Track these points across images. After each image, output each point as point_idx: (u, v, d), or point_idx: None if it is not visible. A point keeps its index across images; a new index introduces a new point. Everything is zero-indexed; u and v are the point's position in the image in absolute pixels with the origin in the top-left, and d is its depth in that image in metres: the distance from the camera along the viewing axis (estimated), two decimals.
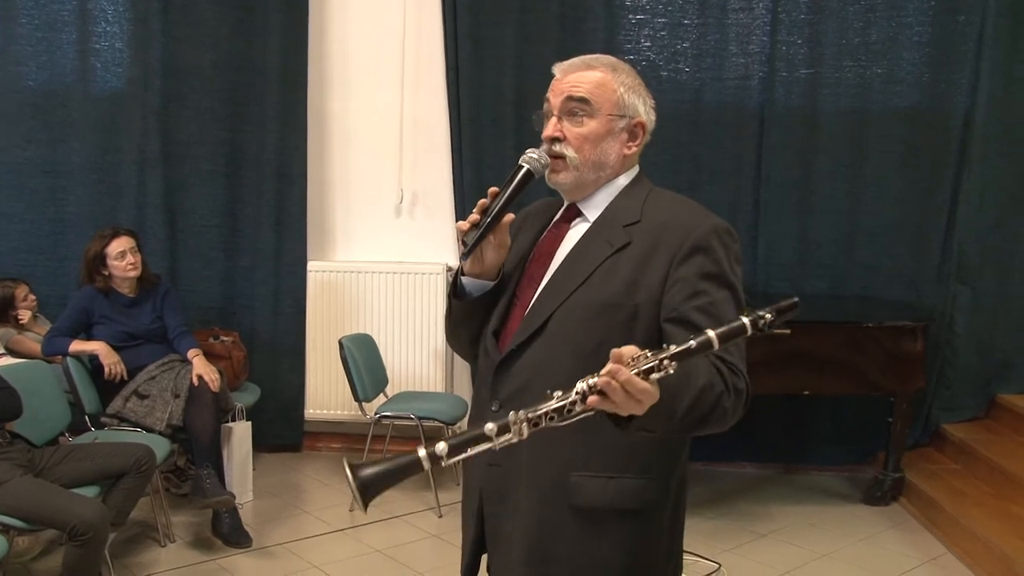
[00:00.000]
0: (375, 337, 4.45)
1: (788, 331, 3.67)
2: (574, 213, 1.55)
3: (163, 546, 3.50)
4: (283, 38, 4.51)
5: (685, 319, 1.36)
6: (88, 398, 3.63)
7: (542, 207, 1.65)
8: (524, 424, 1.13)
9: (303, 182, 4.61)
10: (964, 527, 3.53)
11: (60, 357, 3.68)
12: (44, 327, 4.01)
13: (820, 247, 4.43)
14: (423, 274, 4.58)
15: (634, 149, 1.53)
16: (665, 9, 4.39)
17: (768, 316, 1.16)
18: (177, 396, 3.58)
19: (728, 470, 4.52)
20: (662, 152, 4.28)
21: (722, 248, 1.43)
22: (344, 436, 4.77)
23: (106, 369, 3.62)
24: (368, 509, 1.16)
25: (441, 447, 1.13)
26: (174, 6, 4.49)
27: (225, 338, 4.32)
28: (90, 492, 2.98)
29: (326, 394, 4.67)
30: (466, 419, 3.83)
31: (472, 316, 1.56)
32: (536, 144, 1.51)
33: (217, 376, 3.66)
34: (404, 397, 4.28)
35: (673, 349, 1.15)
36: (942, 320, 4.34)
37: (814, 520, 3.91)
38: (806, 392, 4.06)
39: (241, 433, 3.89)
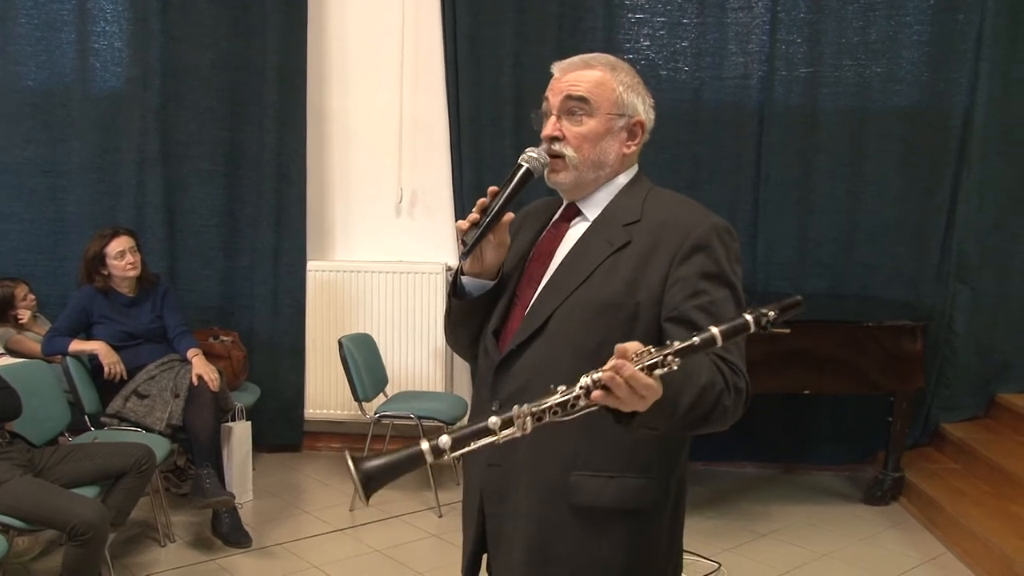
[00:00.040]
0: (375, 337, 4.45)
1: (788, 330, 3.67)
2: (573, 212, 1.55)
3: (163, 546, 3.50)
4: (282, 37, 4.51)
5: (685, 318, 1.36)
6: (88, 398, 3.63)
7: (541, 206, 1.64)
8: (528, 418, 1.13)
9: (302, 182, 4.61)
10: (964, 526, 3.53)
11: (60, 357, 3.68)
12: (44, 327, 4.01)
13: (820, 246, 4.43)
14: (423, 273, 4.58)
15: (633, 148, 1.53)
16: (664, 8, 4.39)
17: (771, 314, 1.17)
18: (177, 396, 3.58)
19: (728, 469, 4.52)
20: (661, 151, 4.27)
21: (722, 247, 1.43)
22: (344, 436, 4.77)
23: (106, 369, 3.62)
24: (369, 504, 1.16)
25: (444, 440, 1.13)
26: (173, 6, 4.48)
27: (225, 338, 4.31)
28: (90, 492, 2.98)
29: (326, 394, 4.66)
30: (466, 419, 3.82)
31: (472, 316, 1.56)
32: (535, 143, 1.51)
33: (217, 376, 3.66)
34: (404, 397, 4.28)
35: (677, 345, 1.15)
36: (941, 319, 4.34)
37: (814, 520, 3.91)
38: (806, 391, 4.06)
39: (241, 433, 3.89)
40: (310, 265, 4.65)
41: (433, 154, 4.65)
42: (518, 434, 1.14)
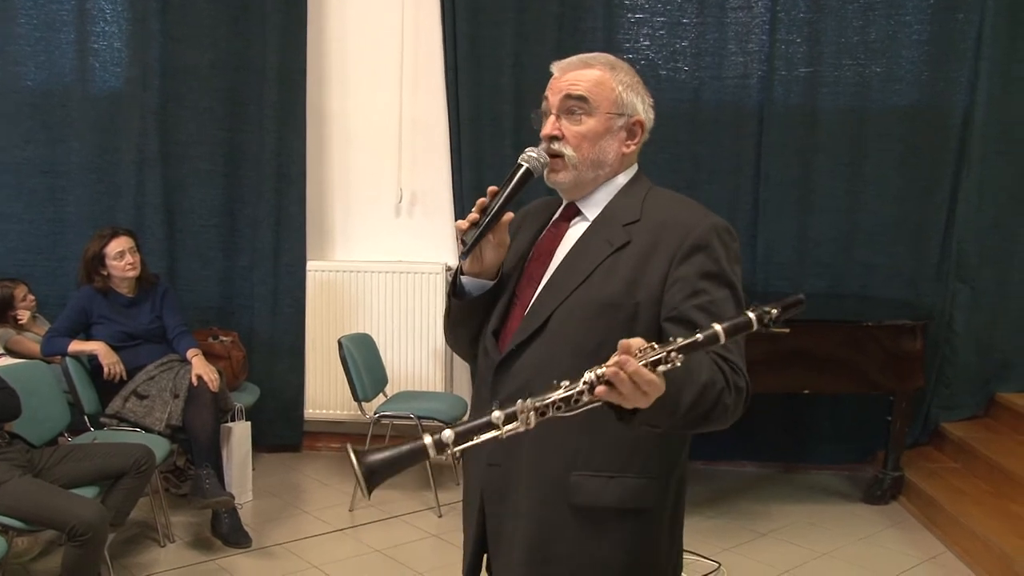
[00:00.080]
0: (374, 337, 4.45)
1: (787, 330, 3.67)
2: (573, 212, 1.55)
3: (162, 546, 3.50)
4: (282, 38, 4.51)
5: (685, 318, 1.36)
6: (87, 398, 3.63)
7: (541, 206, 1.64)
8: (531, 413, 1.13)
9: (302, 182, 4.61)
10: (963, 526, 3.53)
11: (59, 357, 3.67)
12: (43, 327, 4.01)
13: (819, 246, 4.43)
14: (422, 274, 4.58)
15: (633, 148, 1.53)
16: (664, 8, 4.39)
17: (774, 312, 1.17)
18: (176, 396, 3.58)
19: (728, 469, 4.52)
20: (661, 151, 4.27)
21: (722, 247, 1.43)
22: (344, 436, 4.76)
23: (105, 369, 3.62)
24: (371, 498, 1.16)
25: (447, 434, 1.12)
26: (172, 6, 4.48)
27: (224, 338, 4.31)
28: (89, 492, 2.98)
29: (325, 394, 4.66)
30: (465, 419, 3.82)
31: (471, 316, 1.56)
32: (535, 143, 1.51)
33: (216, 376, 3.66)
34: (403, 397, 4.28)
35: (680, 342, 1.15)
36: (941, 319, 4.34)
37: (814, 519, 3.91)
38: (806, 391, 4.06)
39: (240, 433, 3.88)
40: (310, 265, 4.65)
41: (433, 154, 4.65)
42: (521, 429, 1.13)
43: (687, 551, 1.62)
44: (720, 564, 3.37)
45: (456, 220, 1.47)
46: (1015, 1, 4.20)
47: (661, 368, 1.14)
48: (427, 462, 3.97)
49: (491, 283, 1.53)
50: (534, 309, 1.47)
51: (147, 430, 3.52)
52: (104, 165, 4.59)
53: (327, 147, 4.74)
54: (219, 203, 4.63)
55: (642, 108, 1.52)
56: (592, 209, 1.52)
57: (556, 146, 1.48)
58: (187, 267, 4.64)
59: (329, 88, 4.70)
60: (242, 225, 4.67)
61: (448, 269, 4.56)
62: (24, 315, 4.02)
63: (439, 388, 4.59)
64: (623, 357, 1.12)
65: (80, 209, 4.60)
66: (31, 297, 4.11)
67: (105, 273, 3.76)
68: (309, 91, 4.60)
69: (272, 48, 4.50)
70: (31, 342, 3.90)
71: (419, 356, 4.60)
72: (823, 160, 4.39)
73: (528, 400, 1.13)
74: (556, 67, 1.52)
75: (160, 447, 3.38)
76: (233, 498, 3.54)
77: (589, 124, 1.48)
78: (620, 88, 1.49)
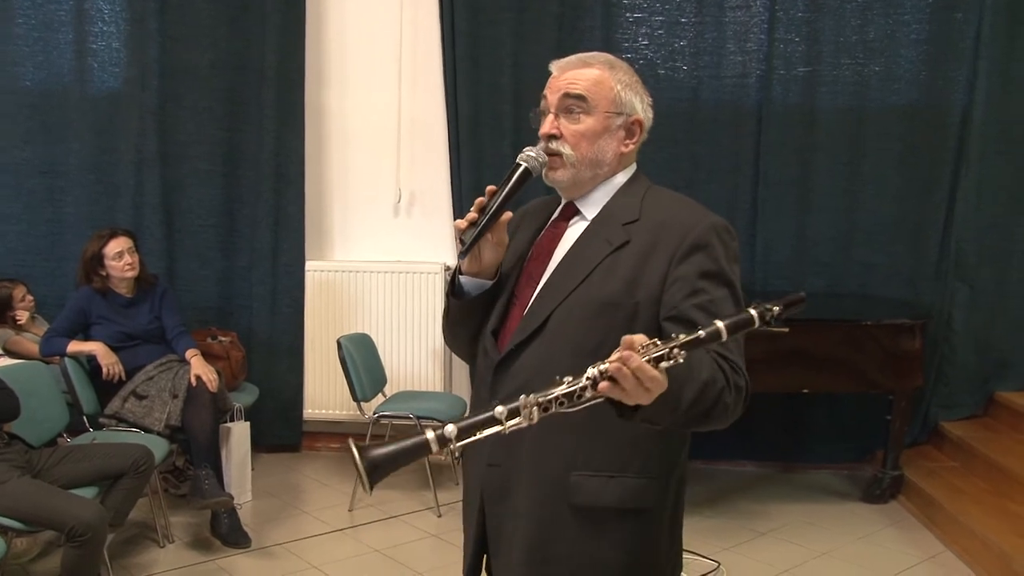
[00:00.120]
0: (373, 337, 4.45)
1: (786, 329, 3.67)
2: (572, 211, 1.54)
3: (162, 547, 3.50)
4: (280, 37, 4.50)
5: (685, 317, 1.36)
6: (86, 399, 3.63)
7: (540, 205, 1.64)
8: (535, 408, 1.13)
9: (301, 182, 4.61)
10: (962, 525, 3.53)
11: (58, 358, 3.67)
12: (42, 328, 4.01)
13: (818, 245, 4.43)
14: (421, 273, 4.58)
15: (631, 147, 1.53)
16: (663, 7, 4.39)
17: (775, 309, 1.17)
18: (175, 396, 3.58)
19: (727, 468, 4.52)
20: (660, 150, 4.27)
21: (721, 246, 1.43)
22: (343, 436, 4.75)
23: (104, 369, 3.62)
24: (372, 493, 1.15)
25: (450, 429, 1.12)
26: (171, 6, 4.48)
27: (223, 338, 4.31)
28: (88, 493, 2.98)
29: (324, 394, 4.66)
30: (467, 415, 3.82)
31: (470, 315, 1.56)
32: (534, 143, 1.51)
33: (215, 376, 3.66)
34: (403, 397, 4.28)
35: (683, 338, 1.15)
36: (940, 318, 4.35)
37: (813, 518, 3.91)
38: (805, 390, 4.06)
39: (240, 433, 3.88)
40: (308, 265, 4.65)
41: (432, 154, 4.65)
42: (524, 424, 1.13)
43: (686, 550, 1.62)
44: (719, 563, 3.37)
45: (455, 220, 1.46)
46: (1014, 0, 4.20)
47: (664, 364, 1.14)
48: (427, 462, 3.96)
49: (490, 283, 1.53)
50: (533, 309, 1.47)
51: (146, 430, 3.52)
52: (103, 165, 4.59)
53: (326, 147, 4.73)
54: (218, 203, 4.63)
55: (641, 107, 1.52)
56: (591, 208, 1.52)
57: (554, 145, 1.48)
58: (186, 267, 4.64)
59: (328, 88, 4.70)
60: (241, 225, 4.67)
61: (447, 269, 4.56)
62: (23, 315, 4.02)
63: (438, 388, 4.59)
64: (626, 353, 1.12)
65: (79, 209, 4.59)
66: (30, 297, 4.11)
67: (104, 273, 3.76)
68: (308, 91, 4.60)
69: (271, 48, 4.50)
70: (30, 342, 3.90)
71: (418, 356, 4.60)
72: (822, 159, 4.39)
73: (531, 395, 1.13)
74: (555, 66, 1.52)
75: (159, 447, 3.38)
76: (232, 498, 3.54)
77: (588, 123, 1.47)
78: (619, 87, 1.49)
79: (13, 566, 3.23)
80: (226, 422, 3.80)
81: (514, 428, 1.13)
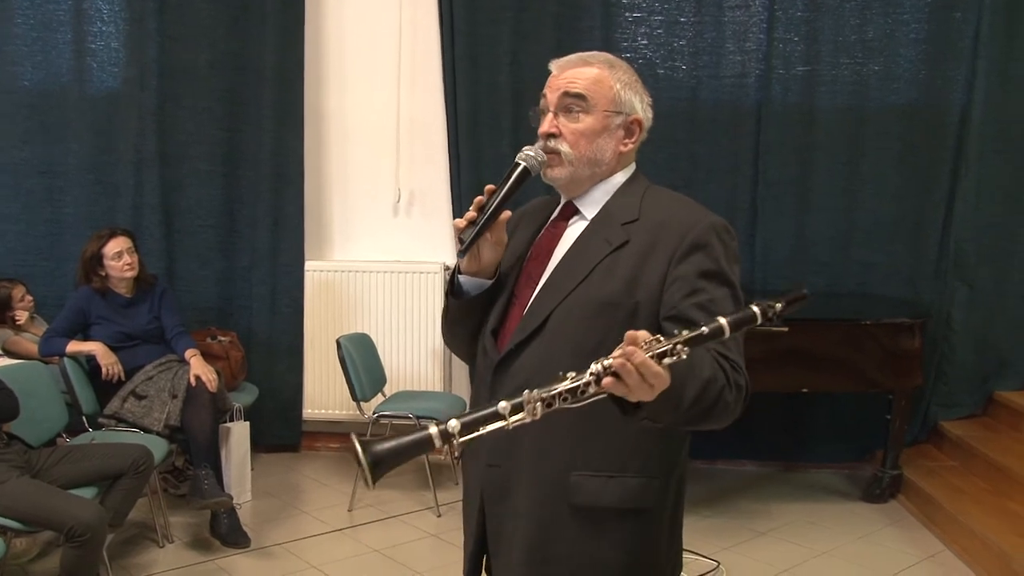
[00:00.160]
0: (373, 336, 4.45)
1: (786, 329, 3.67)
2: (571, 211, 1.54)
3: (161, 547, 3.50)
4: (279, 37, 4.50)
5: (684, 317, 1.35)
6: (85, 399, 3.63)
7: (539, 205, 1.64)
8: (538, 403, 1.12)
9: (300, 181, 4.60)
10: (962, 524, 3.53)
11: (57, 358, 3.67)
12: (41, 328, 4.00)
13: (817, 244, 4.43)
14: (421, 273, 4.58)
15: (630, 146, 1.52)
16: (662, 7, 4.39)
17: (778, 306, 1.17)
18: (175, 396, 3.58)
19: (727, 468, 4.52)
20: (659, 150, 4.27)
21: (720, 246, 1.43)
22: (342, 436, 4.76)
23: (103, 370, 3.62)
24: (374, 488, 1.14)
25: (453, 424, 1.11)
26: (170, 6, 4.48)
27: (223, 338, 4.31)
28: (88, 493, 2.98)
29: (324, 394, 4.66)
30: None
31: (469, 315, 1.55)
32: (533, 142, 1.51)
33: (215, 376, 3.66)
34: (402, 396, 4.28)
35: (686, 334, 1.15)
36: (940, 317, 4.35)
37: (813, 518, 3.91)
38: (804, 390, 4.06)
39: (239, 433, 3.88)
40: (308, 265, 4.64)
41: (431, 153, 4.65)
42: (528, 419, 1.12)
43: (686, 550, 1.62)
44: (719, 563, 3.37)
45: (454, 219, 1.46)
46: (1012, 0, 4.20)
47: (667, 361, 1.14)
48: (427, 463, 3.96)
49: (489, 282, 1.52)
50: (533, 308, 1.47)
51: (145, 430, 3.52)
52: (102, 165, 4.59)
53: (325, 146, 4.73)
54: (217, 203, 4.63)
55: (640, 107, 1.52)
56: (590, 208, 1.52)
57: (553, 143, 1.48)
58: (185, 267, 4.63)
59: (327, 87, 4.70)
60: (240, 225, 4.67)
61: (446, 268, 4.55)
62: (22, 316, 4.02)
63: (438, 388, 4.59)
64: (630, 348, 1.12)
65: (78, 209, 4.59)
66: (29, 297, 4.10)
67: (103, 273, 3.76)
68: (307, 90, 4.60)
69: (270, 48, 4.50)
70: (29, 343, 3.90)
71: (418, 356, 4.60)
72: (821, 159, 4.39)
73: (535, 391, 1.12)
74: (555, 65, 1.52)
75: (158, 447, 3.38)
76: (232, 498, 3.54)
77: (587, 122, 1.47)
78: (618, 86, 1.49)
79: (12, 566, 3.23)
80: (225, 422, 3.80)
81: (517, 423, 1.12)
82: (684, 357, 1.14)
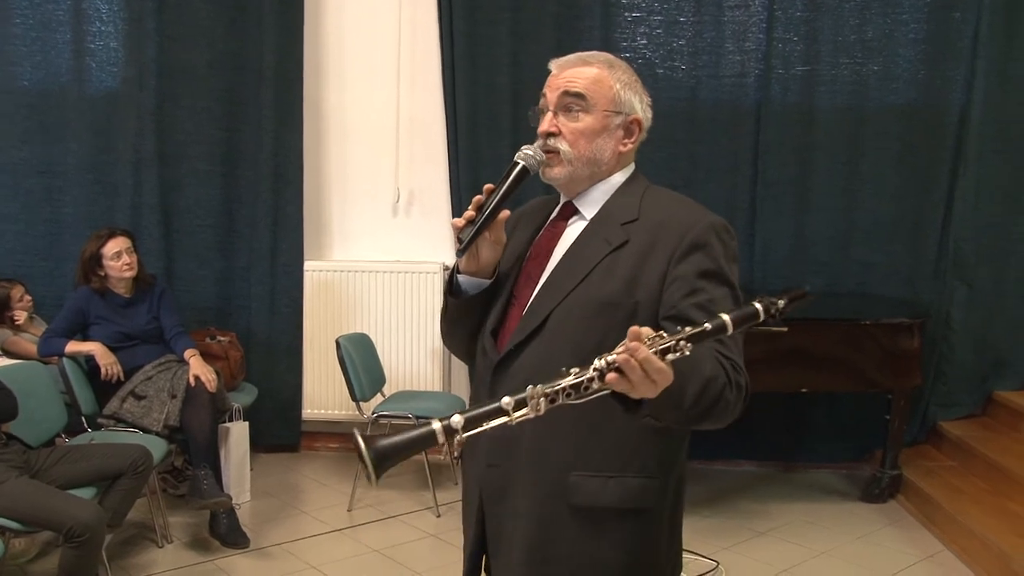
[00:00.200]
0: (372, 336, 4.45)
1: (785, 328, 3.67)
2: (571, 211, 1.54)
3: (160, 547, 3.49)
4: (278, 37, 4.50)
5: (684, 316, 1.35)
6: (84, 399, 3.62)
7: (538, 205, 1.64)
8: (542, 399, 1.12)
9: (299, 181, 4.60)
10: (961, 524, 3.53)
11: (56, 358, 3.67)
12: (40, 328, 4.00)
13: (817, 244, 4.43)
14: (420, 273, 4.57)
15: (630, 146, 1.52)
16: (661, 7, 4.39)
17: (780, 303, 1.17)
18: (174, 396, 3.57)
19: (726, 468, 4.52)
20: (658, 150, 4.27)
21: (720, 245, 1.43)
22: (342, 436, 4.76)
23: (102, 370, 3.61)
24: (378, 484, 1.13)
25: (456, 419, 1.11)
26: (169, 5, 4.47)
27: (222, 338, 4.31)
28: (87, 493, 2.97)
29: (323, 394, 4.66)
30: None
31: (468, 314, 1.55)
32: (533, 142, 1.51)
33: (214, 376, 3.66)
34: (401, 396, 4.28)
35: (689, 331, 1.15)
36: (939, 317, 4.35)
37: (812, 518, 3.91)
38: (804, 390, 4.06)
39: (238, 433, 3.88)
40: (307, 265, 4.64)
41: (430, 153, 4.64)
42: (531, 415, 1.12)
43: (685, 550, 1.62)
44: (718, 563, 3.37)
45: (453, 219, 1.46)
46: (1011, 0, 4.21)
47: (670, 357, 1.14)
48: (426, 463, 3.95)
49: (488, 282, 1.52)
50: (532, 308, 1.47)
51: (145, 431, 3.52)
52: (101, 165, 4.58)
53: (324, 146, 4.73)
54: (216, 203, 4.62)
55: (640, 107, 1.52)
56: (590, 208, 1.52)
57: (552, 142, 1.48)
58: (184, 267, 4.63)
59: (326, 87, 4.69)
60: (239, 225, 4.66)
61: (446, 268, 4.55)
62: (21, 316, 4.02)
63: (437, 388, 4.58)
64: (633, 344, 1.12)
65: (77, 209, 4.59)
66: (28, 298, 4.10)
67: (102, 273, 3.75)
68: (306, 90, 4.59)
69: (269, 47, 4.50)
70: (28, 343, 3.89)
71: (417, 356, 4.60)
72: (820, 159, 4.39)
73: (538, 387, 1.12)
74: (554, 64, 1.52)
75: (158, 448, 3.38)
76: (231, 498, 3.53)
77: (586, 121, 1.47)
78: (618, 86, 1.49)
79: (11, 566, 3.23)
80: (225, 422, 3.80)
81: (520, 419, 1.12)
82: (687, 353, 1.14)
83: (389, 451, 1.10)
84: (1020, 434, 4.12)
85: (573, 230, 1.52)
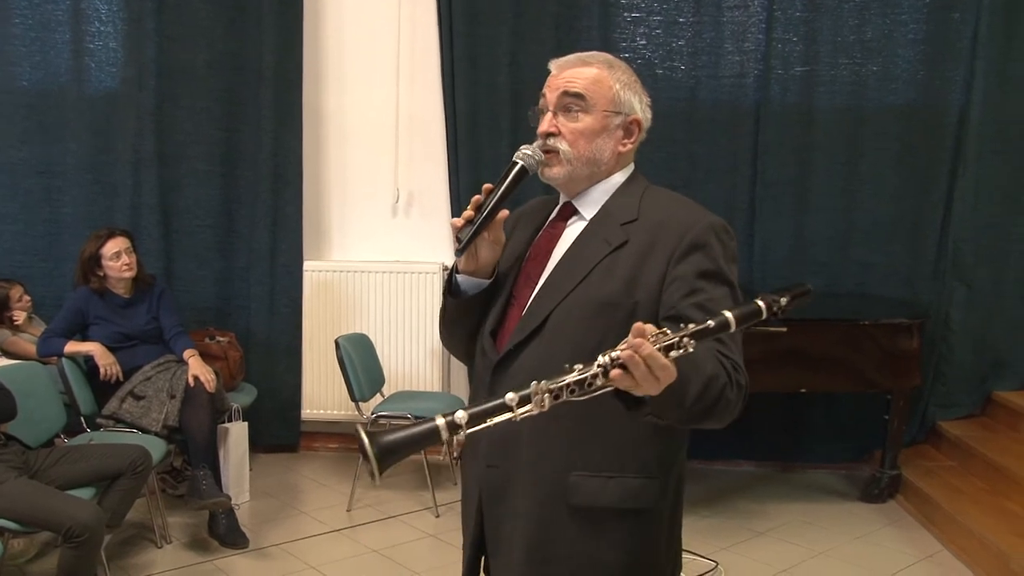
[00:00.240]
0: (371, 337, 4.45)
1: (784, 329, 3.67)
2: (570, 211, 1.54)
3: (159, 547, 3.49)
4: (278, 37, 4.50)
5: (683, 317, 1.35)
6: (83, 399, 3.62)
7: (538, 205, 1.64)
8: (546, 395, 1.11)
9: (298, 182, 4.60)
10: (960, 524, 3.53)
11: (55, 358, 3.66)
12: (39, 328, 4.00)
13: (816, 245, 4.43)
14: (419, 273, 4.57)
15: (629, 147, 1.52)
16: (660, 7, 4.39)
17: (783, 300, 1.17)
18: (173, 397, 3.57)
19: (725, 468, 4.52)
20: (658, 150, 4.27)
21: (719, 245, 1.43)
22: (341, 436, 4.76)
23: (101, 370, 3.61)
24: (381, 481, 1.13)
25: (460, 415, 1.10)
26: (168, 5, 4.47)
27: (221, 338, 4.31)
28: (86, 494, 2.97)
29: (323, 394, 4.66)
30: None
31: (467, 314, 1.55)
32: (532, 142, 1.51)
33: (213, 377, 3.65)
34: (401, 397, 4.28)
35: (692, 327, 1.15)
36: (938, 317, 4.35)
37: (811, 518, 3.91)
38: (803, 390, 4.06)
39: (237, 434, 3.88)
40: (306, 265, 4.64)
41: (430, 154, 4.64)
42: (535, 411, 1.11)
43: (684, 550, 1.62)
44: (717, 563, 3.37)
45: (452, 218, 1.46)
46: (1011, 1, 4.21)
47: (673, 354, 1.13)
48: (425, 463, 3.95)
49: (487, 282, 1.52)
50: (532, 309, 1.47)
51: (144, 431, 3.52)
52: (100, 165, 4.58)
53: (324, 147, 4.73)
54: (215, 203, 4.62)
55: (639, 107, 1.52)
56: (589, 208, 1.52)
57: (552, 142, 1.48)
58: (183, 267, 4.63)
59: (326, 87, 4.69)
60: (239, 225, 4.66)
61: (445, 269, 4.55)
62: (20, 316, 4.02)
63: (436, 388, 4.58)
64: (637, 340, 1.12)
65: (76, 210, 4.59)
66: (27, 298, 4.10)
67: (101, 274, 3.75)
68: (306, 90, 4.59)
69: (268, 47, 4.50)
70: (27, 343, 3.89)
71: (416, 356, 4.60)
72: (819, 159, 4.39)
73: (543, 382, 1.12)
74: (554, 65, 1.52)
75: (157, 448, 3.37)
76: (230, 499, 3.53)
77: (586, 121, 1.47)
78: (618, 86, 1.49)
79: (10, 567, 3.23)
80: (224, 422, 3.80)
81: (525, 415, 1.11)
82: (691, 350, 1.14)
83: (393, 446, 1.09)
84: (1019, 434, 4.12)
85: (572, 230, 1.52)
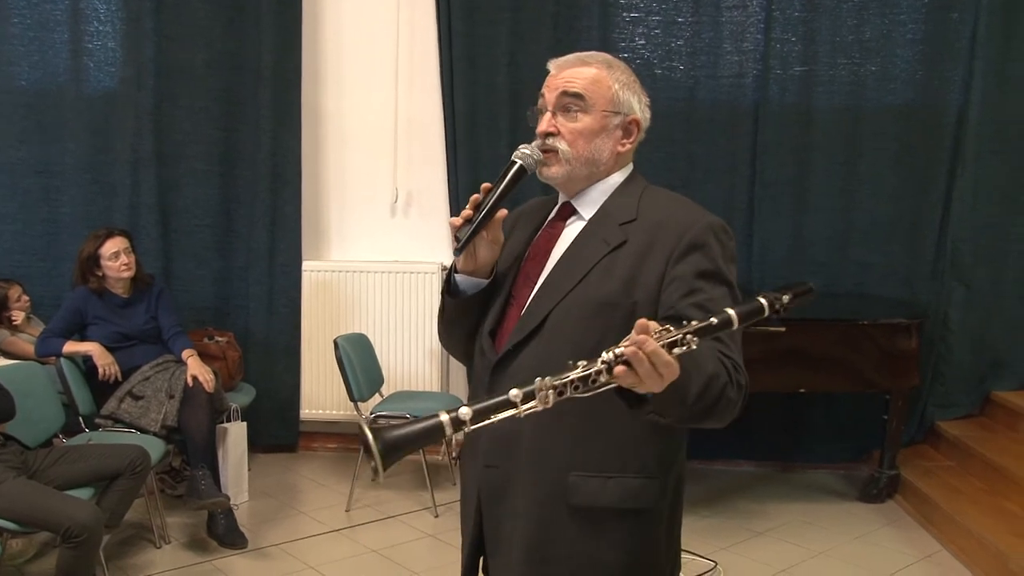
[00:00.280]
0: (370, 337, 4.44)
1: (783, 329, 3.68)
2: (569, 211, 1.54)
3: (158, 547, 3.49)
4: (277, 37, 4.50)
5: (683, 317, 1.34)
6: (82, 399, 3.62)
7: (536, 205, 1.64)
8: (550, 391, 1.11)
9: (297, 181, 4.60)
10: (959, 524, 3.53)
11: (54, 358, 3.66)
12: (38, 328, 3.99)
13: (815, 245, 4.43)
14: (418, 273, 4.57)
15: (628, 147, 1.52)
16: (659, 7, 4.39)
17: (785, 298, 1.17)
18: (172, 397, 3.57)
19: (724, 468, 4.52)
20: (656, 150, 4.27)
21: (718, 245, 1.43)
22: (340, 436, 4.76)
23: (100, 370, 3.61)
24: (384, 479, 1.13)
25: (464, 411, 1.09)
26: (167, 5, 4.47)
27: (220, 338, 4.30)
28: (84, 494, 2.97)
29: (321, 394, 4.66)
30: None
31: (465, 314, 1.55)
32: (531, 142, 1.51)
33: (212, 376, 3.65)
34: (400, 397, 4.28)
35: (695, 324, 1.15)
36: (936, 317, 4.35)
37: (810, 518, 3.91)
38: (802, 390, 4.06)
39: (236, 434, 3.87)
40: (305, 265, 4.64)
41: (428, 154, 4.64)
42: (539, 408, 1.11)
43: (684, 550, 1.62)
44: (717, 563, 3.37)
45: (451, 218, 1.46)
46: (1009, 0, 4.21)
47: (676, 351, 1.13)
48: (424, 463, 3.94)
49: (485, 281, 1.52)
50: (531, 309, 1.47)
51: (142, 431, 3.51)
52: (99, 165, 4.58)
53: (322, 147, 4.73)
54: (214, 203, 4.62)
55: (638, 107, 1.52)
56: (588, 208, 1.52)
57: (551, 141, 1.48)
58: (182, 267, 4.63)
59: (325, 87, 4.69)
60: (237, 225, 4.66)
61: (444, 269, 4.55)
62: (18, 316, 4.01)
63: (435, 388, 4.58)
64: (641, 337, 1.11)
65: (75, 209, 4.58)
66: (25, 298, 4.09)
67: (100, 274, 3.75)
68: (304, 90, 4.59)
69: (267, 47, 4.49)
70: (25, 343, 3.89)
71: (415, 356, 4.59)
72: (818, 159, 4.39)
73: (547, 379, 1.12)
74: (553, 64, 1.52)
75: (155, 448, 3.37)
76: (229, 499, 3.53)
77: (585, 121, 1.47)
78: (617, 86, 1.49)
79: (9, 567, 3.22)
80: (223, 422, 3.79)
81: (529, 412, 1.11)
82: (694, 347, 1.14)
83: (398, 442, 1.08)
84: (1018, 434, 4.13)
85: (571, 230, 1.52)
